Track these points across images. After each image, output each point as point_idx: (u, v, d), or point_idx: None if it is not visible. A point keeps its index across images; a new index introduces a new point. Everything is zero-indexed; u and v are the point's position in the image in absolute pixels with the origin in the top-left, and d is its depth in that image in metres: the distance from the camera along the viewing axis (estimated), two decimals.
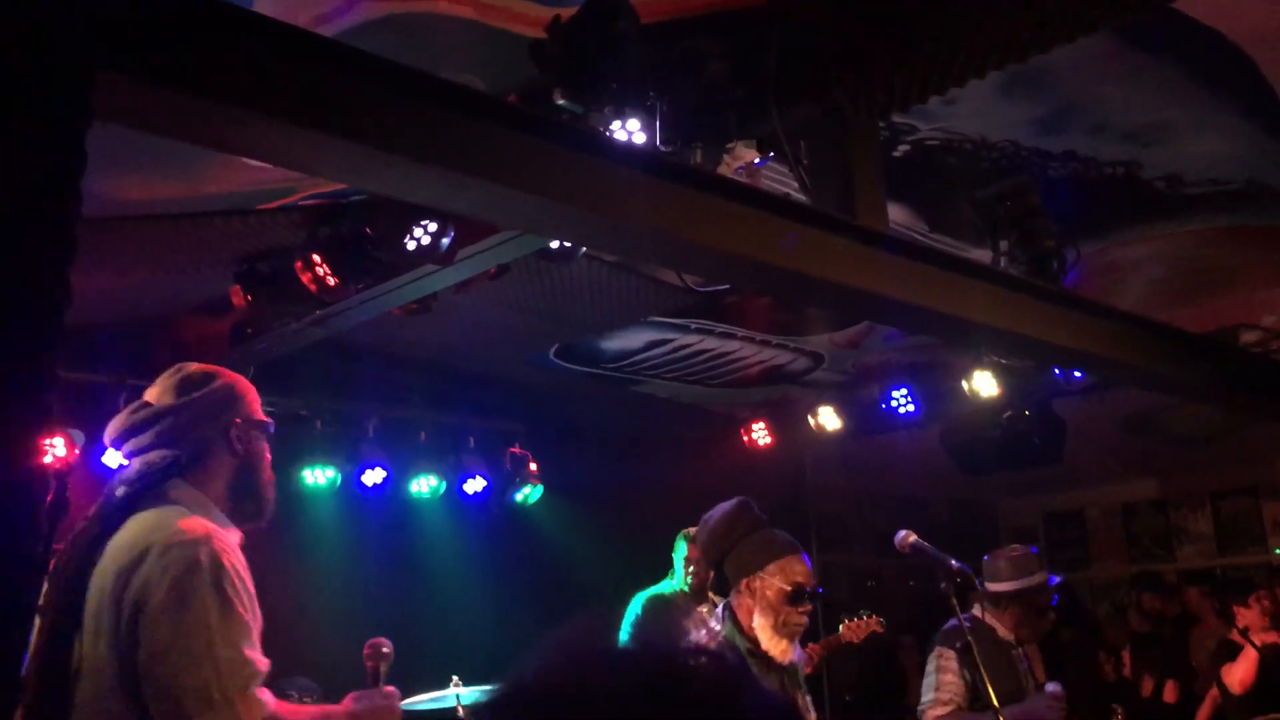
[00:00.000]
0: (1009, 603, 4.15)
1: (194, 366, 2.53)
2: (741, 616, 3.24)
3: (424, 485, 6.79)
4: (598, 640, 0.79)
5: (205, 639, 2.10)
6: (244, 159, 3.40)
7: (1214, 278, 5.54)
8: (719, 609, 3.41)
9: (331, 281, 4.37)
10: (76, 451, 5.13)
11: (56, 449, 5.05)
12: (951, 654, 3.95)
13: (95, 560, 2.24)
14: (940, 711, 3.94)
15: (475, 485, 6.90)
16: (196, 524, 2.26)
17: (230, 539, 2.32)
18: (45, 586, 2.22)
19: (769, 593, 3.19)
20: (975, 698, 3.89)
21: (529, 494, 7.08)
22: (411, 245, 4.03)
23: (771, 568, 3.21)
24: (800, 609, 3.19)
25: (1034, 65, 3.27)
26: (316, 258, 4.36)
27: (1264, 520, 9.67)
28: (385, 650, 2.66)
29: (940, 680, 3.98)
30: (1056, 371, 6.24)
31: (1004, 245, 4.13)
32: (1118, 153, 4.20)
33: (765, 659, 3.19)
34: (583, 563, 7.02)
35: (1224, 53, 3.50)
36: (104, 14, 1.64)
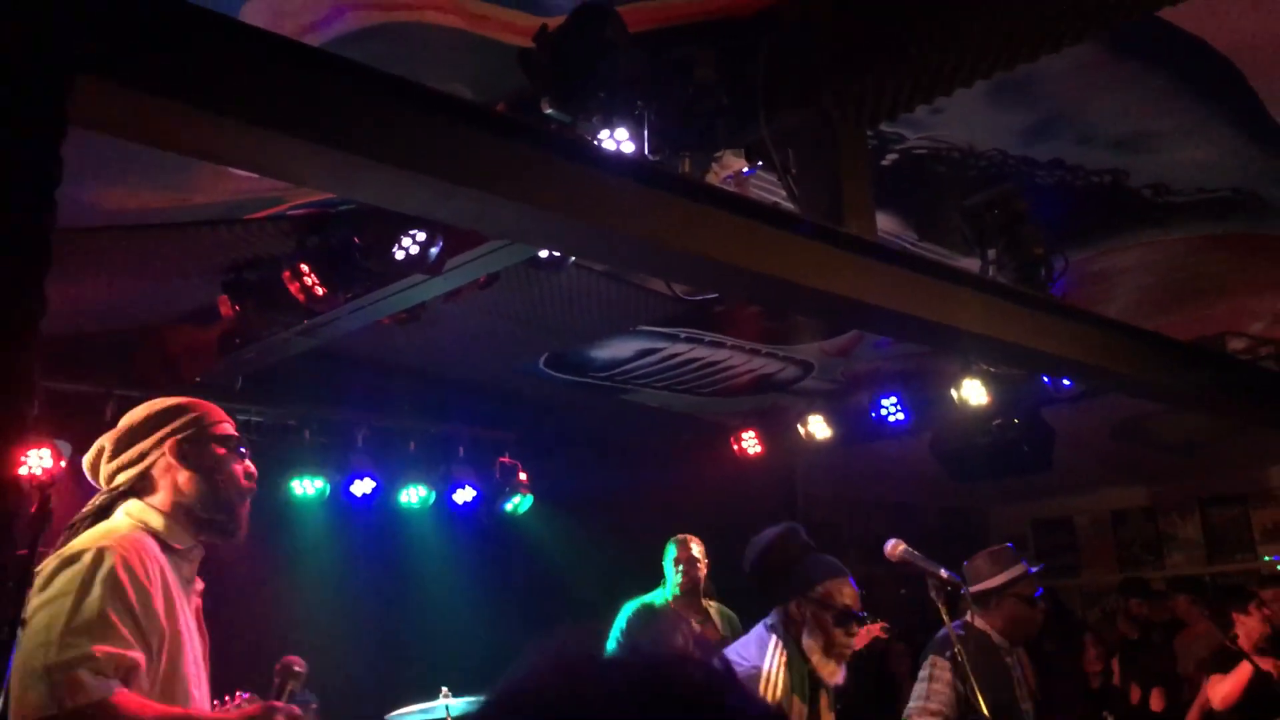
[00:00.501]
0: (997, 600, 4.14)
1: (147, 402, 2.59)
2: (794, 636, 3.31)
3: (413, 495, 6.76)
4: (585, 647, 0.78)
5: (53, 626, 2.13)
6: (232, 169, 3.39)
7: (1201, 285, 5.56)
8: (764, 627, 3.42)
9: (320, 291, 4.36)
10: (63, 463, 5.10)
11: (43, 460, 5.02)
12: (946, 664, 3.94)
13: None
14: None
15: (465, 495, 6.87)
16: (109, 532, 2.30)
17: (152, 547, 2.33)
18: None
19: (819, 615, 3.26)
20: (967, 709, 3.88)
21: (519, 503, 7.06)
22: (400, 254, 4.02)
23: (820, 590, 3.28)
24: (849, 631, 3.28)
25: (1021, 74, 3.28)
26: (305, 267, 4.35)
27: (1253, 528, 9.69)
28: (296, 669, 2.69)
29: (931, 689, 3.97)
30: (1045, 379, 6.25)
31: (992, 253, 4.14)
32: (1105, 161, 4.21)
33: (817, 679, 3.26)
34: (573, 572, 7.00)
35: (1211, 62, 3.51)
36: (85, 20, 1.63)
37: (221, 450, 2.52)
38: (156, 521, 2.41)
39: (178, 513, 2.44)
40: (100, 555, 2.20)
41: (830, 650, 3.24)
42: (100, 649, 2.11)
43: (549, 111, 2.93)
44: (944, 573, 3.66)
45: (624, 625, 5.30)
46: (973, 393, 6.36)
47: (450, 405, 6.89)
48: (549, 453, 7.38)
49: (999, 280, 4.00)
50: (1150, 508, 10.33)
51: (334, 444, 6.40)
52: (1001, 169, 4.22)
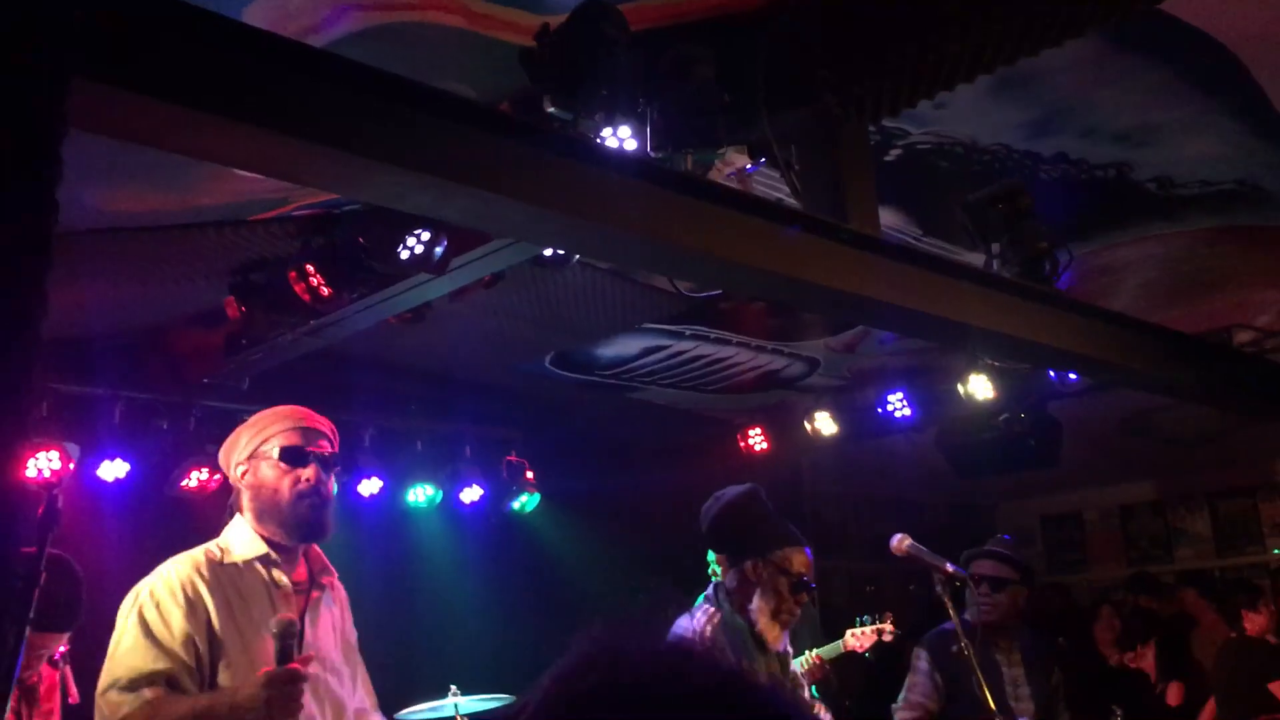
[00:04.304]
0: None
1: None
2: (739, 598, 3.34)
3: (420, 494, 6.76)
4: (624, 640, 0.84)
5: (110, 656, 2.53)
6: (235, 170, 3.40)
7: (1207, 278, 5.54)
8: (703, 597, 3.45)
9: (325, 291, 4.36)
10: (71, 465, 5.11)
11: (51, 462, 5.04)
12: (923, 653, 4.02)
13: None
14: (905, 715, 4.01)
15: (472, 494, 6.88)
16: (161, 567, 2.66)
17: (198, 568, 2.65)
18: None
19: (774, 579, 3.29)
20: (951, 699, 3.94)
21: (526, 502, 7.07)
22: (405, 254, 4.03)
23: (778, 555, 3.31)
24: (798, 599, 3.32)
25: (1023, 69, 3.28)
26: (310, 268, 4.36)
27: (1261, 521, 9.66)
28: (290, 626, 2.69)
29: (910, 680, 4.07)
30: (1052, 374, 6.24)
31: (996, 248, 4.12)
32: (1108, 155, 4.21)
33: (761, 642, 3.30)
34: (581, 570, 7.01)
35: (1212, 54, 3.50)
36: (83, 20, 1.63)
37: (267, 470, 2.79)
38: (238, 535, 2.75)
39: (265, 528, 2.76)
40: (136, 595, 2.59)
41: (778, 614, 3.29)
42: (125, 670, 2.47)
43: (551, 110, 2.93)
44: (949, 567, 3.67)
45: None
46: (979, 388, 6.35)
47: (456, 405, 6.90)
48: (556, 451, 7.39)
49: (1003, 275, 3.99)
50: (1159, 502, 10.30)
51: (341, 444, 6.38)
52: (1005, 163, 4.21)
